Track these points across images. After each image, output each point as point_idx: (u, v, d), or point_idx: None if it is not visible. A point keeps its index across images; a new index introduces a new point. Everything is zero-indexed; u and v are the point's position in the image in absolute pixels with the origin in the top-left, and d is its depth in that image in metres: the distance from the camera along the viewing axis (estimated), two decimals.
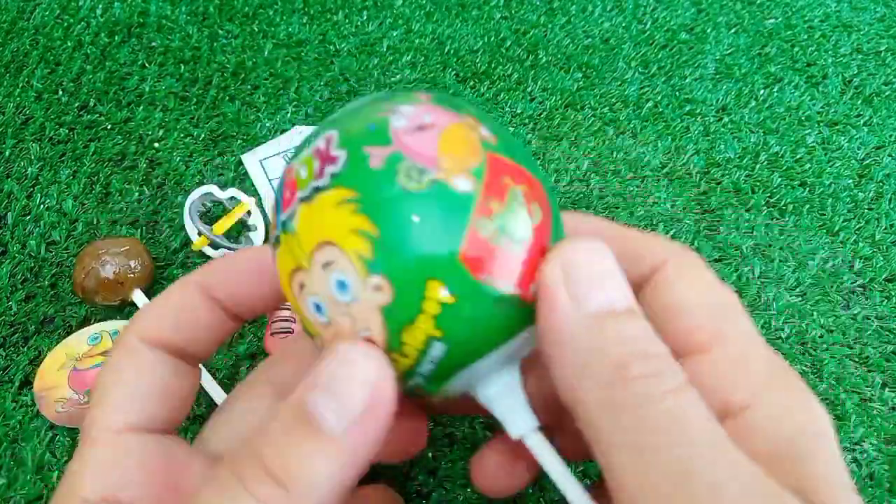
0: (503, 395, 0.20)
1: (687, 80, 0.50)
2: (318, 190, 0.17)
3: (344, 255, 0.17)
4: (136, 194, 0.42)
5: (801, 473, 0.17)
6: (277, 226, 0.19)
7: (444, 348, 0.18)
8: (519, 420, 0.20)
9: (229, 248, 0.38)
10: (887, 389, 0.35)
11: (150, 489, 0.19)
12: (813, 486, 0.16)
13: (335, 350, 0.17)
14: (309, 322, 0.18)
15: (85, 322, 0.36)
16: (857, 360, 0.36)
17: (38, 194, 0.42)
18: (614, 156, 0.45)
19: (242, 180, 0.43)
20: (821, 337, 0.37)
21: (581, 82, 0.50)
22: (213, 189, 0.40)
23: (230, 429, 0.22)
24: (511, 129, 0.46)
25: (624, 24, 0.54)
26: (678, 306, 0.19)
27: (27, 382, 0.34)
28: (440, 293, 0.17)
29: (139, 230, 0.40)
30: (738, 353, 0.19)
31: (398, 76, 0.49)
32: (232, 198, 0.40)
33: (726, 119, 0.47)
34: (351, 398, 0.16)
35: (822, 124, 0.47)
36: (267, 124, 0.46)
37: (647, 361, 0.16)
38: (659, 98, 0.49)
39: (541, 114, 0.47)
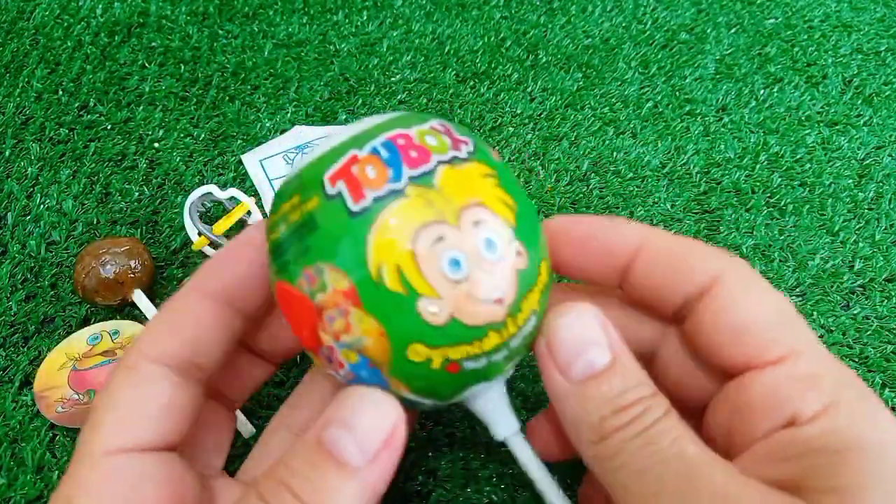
0: (491, 400, 0.22)
1: (687, 80, 0.50)
2: (458, 160, 0.20)
3: (496, 218, 0.19)
4: (136, 194, 0.42)
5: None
6: (398, 178, 0.19)
7: (535, 322, 0.21)
8: (503, 424, 0.22)
9: None
10: (887, 389, 0.35)
11: None
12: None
13: (355, 390, 0.19)
14: (429, 285, 0.19)
15: (85, 322, 0.36)
16: (856, 360, 0.36)
17: (38, 194, 0.42)
18: (614, 156, 0.45)
19: (242, 180, 0.43)
20: (821, 337, 0.37)
21: (581, 82, 0.50)
22: (213, 189, 0.40)
23: (255, 466, 0.24)
24: (511, 129, 0.46)
25: (624, 24, 0.54)
26: (745, 323, 0.20)
27: (27, 382, 0.34)
28: (547, 273, 0.21)
29: (139, 230, 0.40)
30: (809, 365, 0.19)
31: (398, 76, 0.49)
32: (232, 198, 0.40)
33: (726, 119, 0.47)
34: (372, 434, 0.18)
35: (822, 124, 0.47)
36: (267, 124, 0.46)
37: (623, 413, 0.18)
38: (659, 98, 0.49)
39: (541, 114, 0.47)
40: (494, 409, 0.22)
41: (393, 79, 0.49)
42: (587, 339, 0.20)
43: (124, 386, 0.20)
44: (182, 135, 0.45)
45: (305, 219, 0.19)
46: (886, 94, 0.50)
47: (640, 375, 0.19)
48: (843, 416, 0.18)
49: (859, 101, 0.49)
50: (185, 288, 0.22)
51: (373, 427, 0.18)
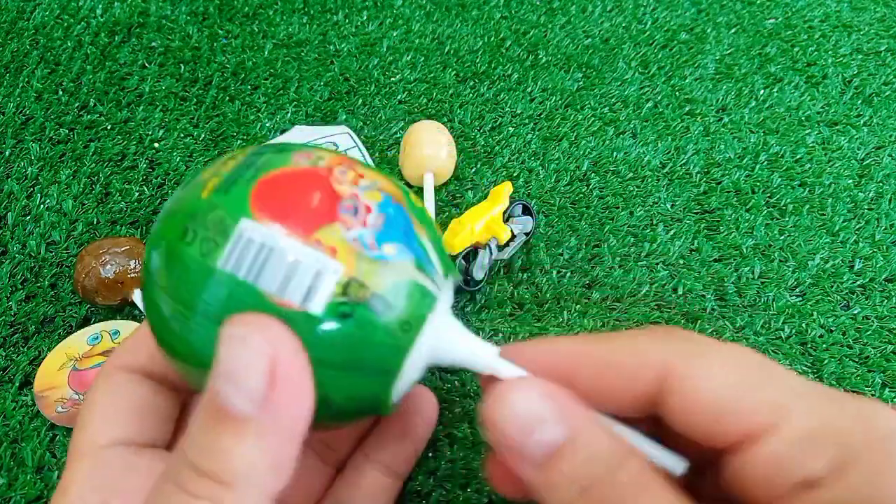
0: (458, 337, 0.21)
1: (687, 81, 0.50)
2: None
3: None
4: (136, 194, 0.42)
5: None
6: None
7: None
8: (483, 352, 0.21)
9: None
10: (887, 389, 0.35)
11: (136, 496, 0.19)
12: None
13: (226, 332, 0.17)
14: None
15: (85, 322, 0.36)
16: (857, 360, 0.36)
17: (38, 194, 0.42)
18: (614, 156, 0.45)
19: None
20: (821, 337, 0.37)
21: (581, 82, 0.50)
22: None
23: None
24: (511, 129, 0.46)
25: (624, 24, 0.54)
26: (718, 405, 0.18)
27: (27, 382, 0.34)
28: None
29: (139, 230, 0.40)
30: (800, 420, 0.17)
31: (398, 76, 0.49)
32: None
33: (726, 119, 0.47)
34: (252, 376, 0.16)
35: (822, 124, 0.47)
36: (267, 124, 0.46)
37: (595, 491, 0.16)
38: (659, 98, 0.49)
39: (541, 114, 0.47)
40: (466, 335, 0.21)
41: (393, 79, 0.49)
42: (535, 419, 0.17)
43: (100, 391, 0.22)
44: (182, 135, 0.45)
45: (266, 145, 0.21)
46: (886, 94, 0.50)
47: (608, 444, 0.17)
48: (858, 475, 0.16)
49: (859, 101, 0.49)
50: None
51: (250, 368, 0.16)
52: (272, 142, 0.44)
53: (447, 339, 0.21)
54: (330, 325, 0.18)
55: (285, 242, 0.18)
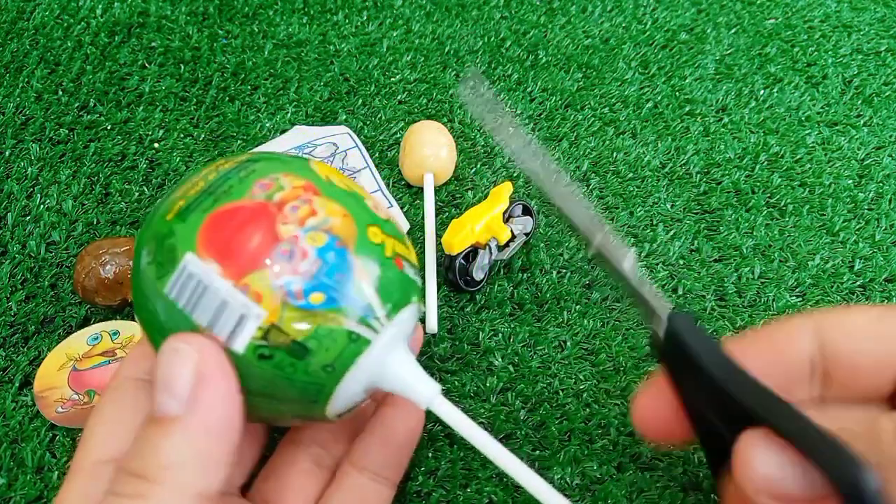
0: (403, 363, 0.22)
1: (687, 81, 0.50)
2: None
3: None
4: (136, 194, 0.42)
5: None
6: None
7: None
8: (421, 389, 0.22)
9: None
10: None
11: None
12: None
13: (162, 347, 0.19)
14: (367, 192, 0.23)
15: (85, 322, 0.36)
16: None
17: (38, 194, 0.42)
18: (614, 156, 0.45)
19: None
20: None
21: (581, 82, 0.50)
22: None
23: (264, 482, 0.26)
24: (511, 128, 0.46)
25: (624, 25, 0.54)
26: (869, 346, 0.19)
27: (27, 383, 0.34)
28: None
29: (139, 230, 0.40)
30: None
31: (398, 76, 0.49)
32: None
33: (726, 119, 0.47)
34: (180, 379, 0.18)
35: (822, 125, 0.47)
36: (267, 124, 0.46)
37: None
38: (659, 98, 0.49)
39: (541, 114, 0.47)
40: (409, 371, 0.22)
41: (393, 79, 0.49)
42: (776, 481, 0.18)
43: (108, 402, 0.22)
44: (182, 135, 0.45)
45: (238, 164, 0.21)
46: (886, 94, 0.50)
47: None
48: None
49: (859, 102, 0.49)
50: None
51: (178, 372, 0.18)
52: (266, 147, 0.44)
53: (390, 372, 0.22)
54: (252, 363, 0.19)
55: (218, 283, 0.19)
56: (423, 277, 0.37)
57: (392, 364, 0.22)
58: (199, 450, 0.18)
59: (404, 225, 0.40)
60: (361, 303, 0.20)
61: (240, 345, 0.19)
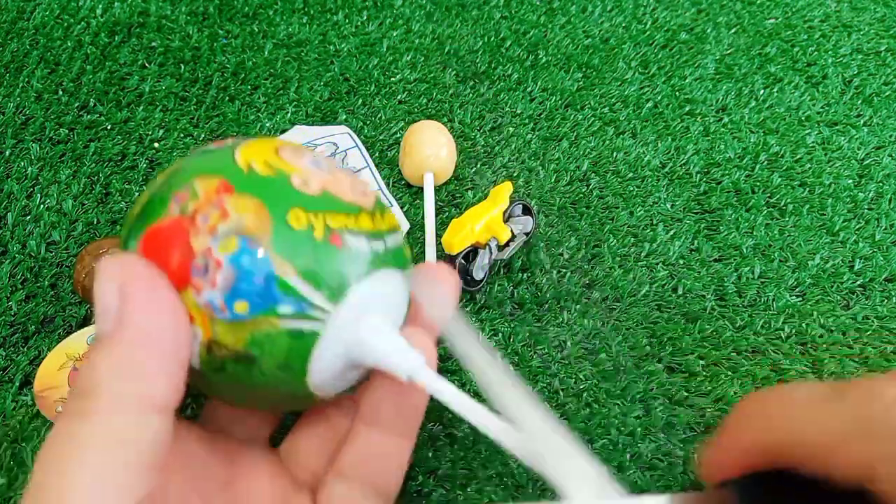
0: (383, 332, 0.21)
1: (687, 81, 0.50)
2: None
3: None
4: (136, 194, 0.42)
5: None
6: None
7: (397, 245, 0.23)
8: (398, 361, 0.21)
9: None
10: None
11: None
12: None
13: (96, 271, 0.19)
14: (297, 168, 0.21)
15: (85, 322, 0.36)
16: (856, 360, 0.36)
17: (38, 194, 0.42)
18: (614, 156, 0.45)
19: None
20: (821, 337, 0.37)
21: (581, 82, 0.50)
22: None
23: (294, 442, 0.26)
24: (511, 129, 0.46)
25: (624, 24, 0.54)
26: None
27: (27, 382, 0.34)
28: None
29: None
30: None
31: (398, 76, 0.49)
32: None
33: (726, 119, 0.47)
34: (106, 297, 0.18)
35: (822, 124, 0.47)
36: (267, 124, 0.46)
37: None
38: (659, 98, 0.49)
39: (541, 114, 0.47)
40: (384, 346, 0.21)
41: (393, 79, 0.49)
42: None
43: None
44: (182, 135, 0.45)
45: (167, 174, 0.21)
46: (886, 94, 0.50)
47: None
48: None
49: (859, 101, 0.49)
50: None
51: (105, 291, 0.18)
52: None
53: (366, 349, 0.21)
54: (212, 376, 0.20)
55: None
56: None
57: (366, 341, 0.21)
58: (133, 359, 0.18)
59: (404, 224, 0.40)
60: (290, 298, 0.19)
61: (196, 362, 0.20)
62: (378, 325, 0.21)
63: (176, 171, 0.21)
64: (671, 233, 0.41)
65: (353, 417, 0.25)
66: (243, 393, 0.20)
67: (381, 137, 0.45)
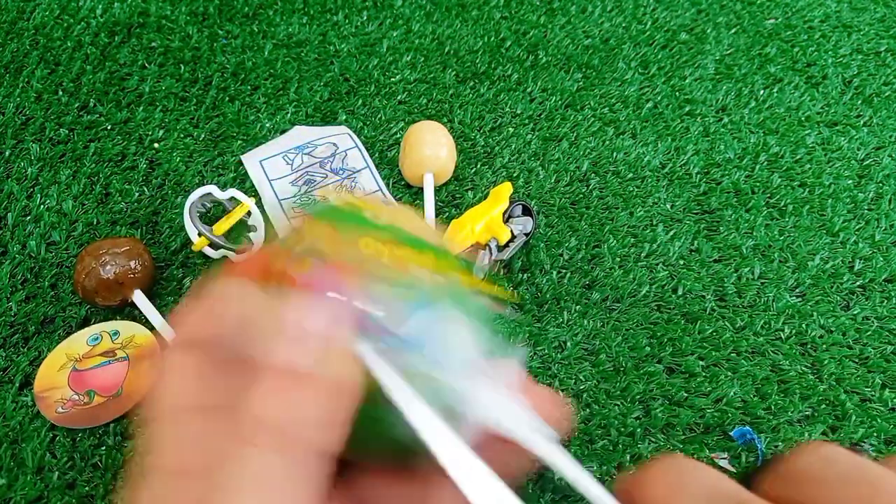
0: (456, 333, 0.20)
1: (687, 81, 0.50)
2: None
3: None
4: (136, 195, 0.42)
5: None
6: None
7: (455, 289, 0.22)
8: (540, 440, 0.19)
9: (230, 249, 0.38)
10: (887, 390, 0.35)
11: None
12: None
13: (290, 303, 0.19)
14: (371, 206, 0.22)
15: (85, 322, 0.36)
16: (856, 360, 0.36)
17: (38, 195, 0.42)
18: (614, 156, 0.45)
19: (242, 181, 0.43)
20: (821, 337, 0.37)
21: (581, 83, 0.50)
22: (213, 190, 0.40)
23: None
24: (511, 129, 0.46)
25: (624, 25, 0.54)
26: None
27: (27, 383, 0.34)
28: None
29: (139, 230, 0.40)
30: None
31: (398, 76, 0.49)
32: (232, 198, 0.40)
33: (726, 119, 0.48)
34: (311, 336, 0.18)
35: (821, 125, 0.47)
36: (267, 125, 0.46)
37: None
38: (659, 98, 0.49)
39: (541, 114, 0.47)
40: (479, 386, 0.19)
41: (393, 79, 0.49)
42: None
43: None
44: (182, 135, 0.45)
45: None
46: (886, 94, 0.50)
47: None
48: None
49: (859, 102, 0.49)
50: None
51: (311, 326, 0.18)
52: (265, 147, 0.44)
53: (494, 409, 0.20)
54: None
55: None
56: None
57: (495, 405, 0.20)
58: (331, 409, 0.18)
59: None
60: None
61: None
62: (505, 396, 0.20)
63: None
64: (671, 233, 0.41)
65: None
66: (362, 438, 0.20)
67: (381, 138, 0.45)
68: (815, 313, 0.37)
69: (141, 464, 0.20)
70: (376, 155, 0.44)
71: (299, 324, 0.18)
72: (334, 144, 0.44)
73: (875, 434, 0.33)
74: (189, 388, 0.21)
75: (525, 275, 0.38)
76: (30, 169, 0.43)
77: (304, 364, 0.18)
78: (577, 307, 0.37)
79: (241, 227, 0.40)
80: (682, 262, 0.39)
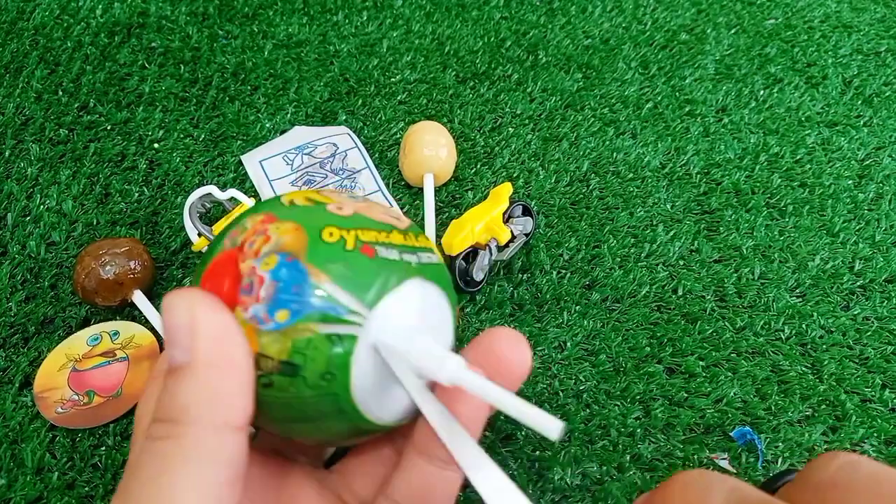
0: (415, 356, 0.21)
1: (687, 81, 0.50)
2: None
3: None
4: (136, 195, 0.42)
5: None
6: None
7: (435, 261, 0.23)
8: (436, 368, 0.21)
9: None
10: (888, 390, 0.35)
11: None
12: None
13: (162, 305, 0.20)
14: (333, 199, 0.23)
15: (85, 323, 0.36)
16: (857, 361, 0.36)
17: (38, 195, 0.42)
18: (614, 156, 0.45)
19: (242, 181, 0.43)
20: (821, 338, 0.37)
21: (581, 83, 0.50)
22: (212, 190, 0.40)
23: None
24: (511, 129, 0.46)
25: (624, 25, 0.54)
26: None
27: (27, 383, 0.34)
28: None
29: (139, 231, 0.40)
30: None
31: (398, 76, 0.49)
32: (232, 199, 0.40)
33: (726, 120, 0.47)
34: (180, 329, 0.19)
35: (821, 125, 0.47)
36: (267, 125, 0.46)
37: None
38: (659, 99, 0.49)
39: (541, 114, 0.47)
40: (423, 352, 0.21)
41: (393, 79, 0.49)
42: None
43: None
44: (182, 135, 0.45)
45: (222, 230, 0.23)
46: (886, 94, 0.50)
47: None
48: None
49: (859, 102, 0.49)
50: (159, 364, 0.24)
51: (176, 324, 0.19)
52: (265, 147, 0.44)
53: (402, 349, 0.21)
54: (262, 394, 0.21)
55: None
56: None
57: (399, 345, 0.21)
58: (210, 386, 0.19)
59: None
60: (327, 303, 0.20)
61: None
62: (411, 330, 0.21)
63: (233, 221, 0.23)
64: (671, 233, 0.41)
65: (401, 450, 0.25)
66: (291, 412, 0.21)
67: (381, 138, 0.45)
68: (815, 314, 0.37)
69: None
70: (376, 155, 0.44)
71: (168, 324, 0.20)
72: (334, 145, 0.44)
73: (875, 434, 0.33)
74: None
75: (525, 275, 0.38)
76: (30, 169, 0.43)
77: (179, 358, 0.19)
78: (577, 307, 0.37)
79: None
80: (682, 262, 0.39)
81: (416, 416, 0.23)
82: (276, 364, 0.20)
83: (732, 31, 0.54)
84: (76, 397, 0.33)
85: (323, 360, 0.20)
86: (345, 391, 0.21)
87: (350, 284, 0.20)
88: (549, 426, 0.20)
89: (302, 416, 0.21)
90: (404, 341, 0.21)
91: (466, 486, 0.30)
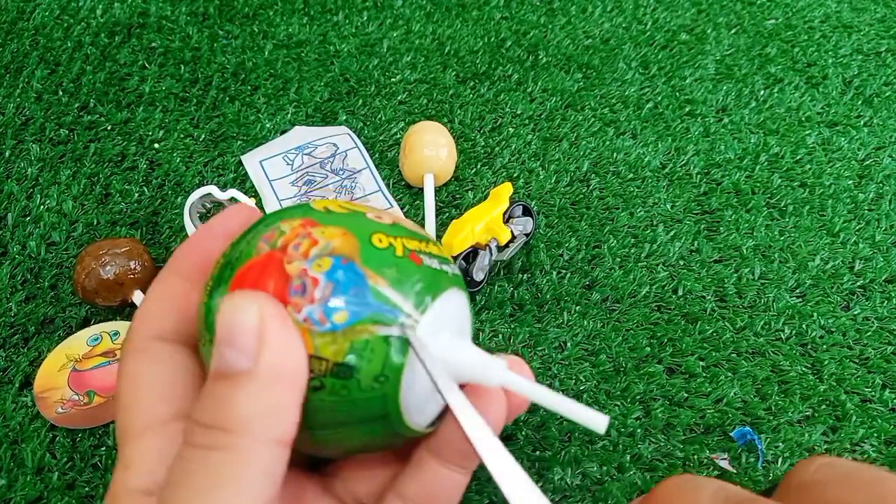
0: (459, 361, 0.22)
1: (687, 81, 0.50)
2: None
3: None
4: (136, 195, 0.42)
5: None
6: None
7: (455, 273, 0.24)
8: (482, 371, 0.22)
9: None
10: (888, 391, 0.35)
11: None
12: None
13: (221, 305, 0.19)
14: (369, 208, 0.24)
15: (85, 323, 0.36)
16: (857, 361, 0.36)
17: (38, 195, 0.42)
18: (614, 156, 0.45)
19: (242, 181, 0.43)
20: (821, 338, 0.37)
21: (581, 83, 0.50)
22: (213, 190, 0.40)
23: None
24: (511, 129, 0.46)
25: (624, 25, 0.54)
26: None
27: (27, 383, 0.34)
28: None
29: (139, 231, 0.40)
30: None
31: (398, 77, 0.49)
32: (232, 199, 0.40)
33: (726, 120, 0.47)
34: (245, 333, 0.18)
35: (822, 125, 0.47)
36: (267, 125, 0.46)
37: None
38: (659, 99, 0.49)
39: (541, 114, 0.47)
40: (467, 356, 0.22)
41: (393, 79, 0.49)
42: None
43: (143, 363, 0.21)
44: (182, 135, 0.45)
45: (246, 231, 0.23)
46: (886, 94, 0.50)
47: None
48: None
49: (859, 102, 0.49)
50: (162, 272, 0.23)
51: (241, 327, 0.18)
52: (266, 147, 0.44)
53: (450, 364, 0.22)
54: (310, 399, 0.20)
55: None
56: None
57: (451, 355, 0.22)
58: (272, 399, 0.18)
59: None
60: (385, 306, 0.20)
61: None
62: (456, 335, 0.22)
63: (253, 226, 0.23)
64: (671, 234, 0.41)
65: (399, 454, 0.26)
66: (336, 418, 0.21)
67: (381, 138, 0.45)
68: (815, 314, 0.37)
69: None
70: (376, 155, 0.44)
71: (230, 325, 0.18)
72: (334, 145, 0.44)
73: (875, 434, 0.33)
74: (171, 395, 0.21)
75: (525, 275, 0.38)
76: (30, 169, 0.43)
77: (237, 364, 0.18)
78: (578, 307, 0.37)
79: None
80: (682, 262, 0.39)
81: (437, 425, 0.23)
82: (330, 366, 0.20)
83: (733, 32, 0.54)
84: (76, 397, 0.33)
85: (379, 361, 0.20)
86: (394, 394, 0.21)
87: (404, 289, 0.21)
88: (597, 421, 0.21)
89: (344, 420, 0.21)
90: (452, 347, 0.22)
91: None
